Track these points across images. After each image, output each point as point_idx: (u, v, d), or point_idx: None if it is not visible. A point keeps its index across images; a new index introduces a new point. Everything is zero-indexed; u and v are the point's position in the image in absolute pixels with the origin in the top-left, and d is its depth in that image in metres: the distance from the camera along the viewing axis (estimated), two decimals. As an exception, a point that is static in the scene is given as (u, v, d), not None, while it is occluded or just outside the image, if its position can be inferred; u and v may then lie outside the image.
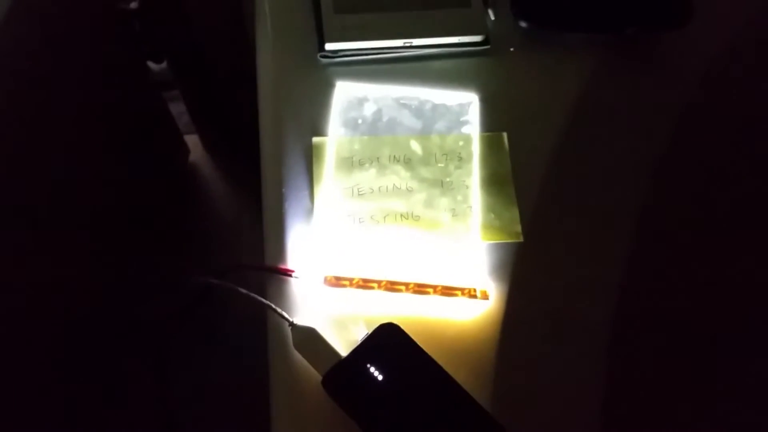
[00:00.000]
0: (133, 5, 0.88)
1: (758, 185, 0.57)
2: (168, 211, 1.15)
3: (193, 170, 1.27)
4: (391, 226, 0.51)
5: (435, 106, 0.56)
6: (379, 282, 0.48)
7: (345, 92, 0.56)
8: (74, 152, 0.83)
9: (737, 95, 0.59)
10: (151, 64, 1.05)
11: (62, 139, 0.79)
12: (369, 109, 0.55)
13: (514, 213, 0.53)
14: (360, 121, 0.55)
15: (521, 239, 0.52)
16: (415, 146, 0.54)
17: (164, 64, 1.06)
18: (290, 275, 0.48)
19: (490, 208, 0.53)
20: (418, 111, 0.56)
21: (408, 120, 0.55)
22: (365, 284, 0.48)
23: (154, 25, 0.94)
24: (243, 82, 0.63)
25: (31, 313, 0.73)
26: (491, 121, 0.56)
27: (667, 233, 0.54)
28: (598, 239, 0.53)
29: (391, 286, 0.48)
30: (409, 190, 0.53)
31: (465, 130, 0.55)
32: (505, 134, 0.55)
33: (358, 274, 0.48)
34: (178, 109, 1.24)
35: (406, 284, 0.49)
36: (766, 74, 0.60)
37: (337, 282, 0.48)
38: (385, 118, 0.55)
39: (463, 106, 0.56)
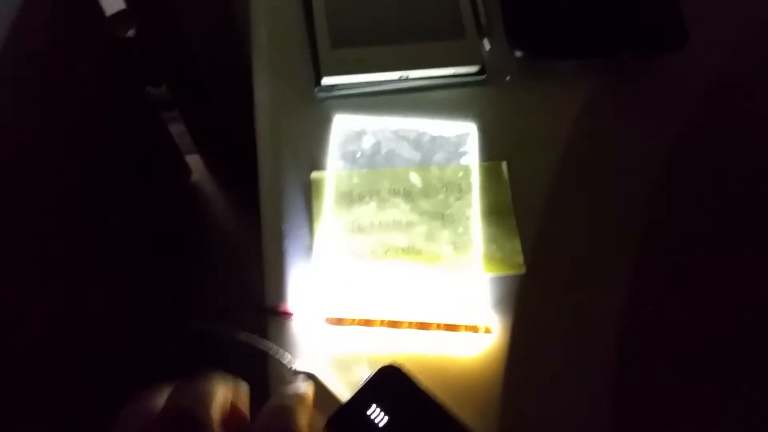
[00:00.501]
0: (131, 33, 0.89)
1: (757, 208, 0.57)
2: (171, 233, 1.16)
3: (196, 190, 1.27)
4: (392, 261, 0.51)
5: (433, 138, 0.56)
6: (380, 320, 0.48)
7: (343, 125, 0.56)
8: (74, 178, 0.83)
9: (734, 118, 0.59)
10: (150, 89, 1.05)
11: (62, 166, 0.79)
12: (367, 142, 0.56)
13: (516, 244, 0.53)
14: (359, 155, 0.55)
15: (524, 270, 0.52)
16: (415, 178, 0.54)
17: (162, 88, 1.06)
18: (290, 317, 0.48)
19: (491, 239, 0.53)
20: (416, 143, 0.56)
21: (407, 152, 0.55)
22: (367, 323, 0.48)
23: (152, 52, 0.95)
24: (243, 102, 0.63)
25: (23, 348, 0.73)
26: (490, 151, 0.56)
27: (670, 260, 0.54)
28: (600, 268, 0.53)
29: (393, 324, 0.48)
30: (410, 224, 0.53)
31: (464, 160, 0.55)
32: (504, 163, 0.55)
33: (359, 313, 0.49)
34: (178, 130, 1.24)
35: (408, 321, 0.49)
36: (762, 97, 0.60)
37: (339, 321, 0.48)
38: (383, 151, 0.55)
39: (462, 137, 0.56)
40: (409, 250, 0.52)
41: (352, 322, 0.48)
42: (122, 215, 1.00)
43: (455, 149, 0.55)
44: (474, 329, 0.49)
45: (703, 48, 0.58)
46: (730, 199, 0.57)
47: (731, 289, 0.54)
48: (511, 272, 0.52)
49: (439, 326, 0.49)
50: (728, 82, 0.60)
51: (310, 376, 0.46)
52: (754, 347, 0.52)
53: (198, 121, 1.17)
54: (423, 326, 0.49)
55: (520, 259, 0.52)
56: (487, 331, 0.49)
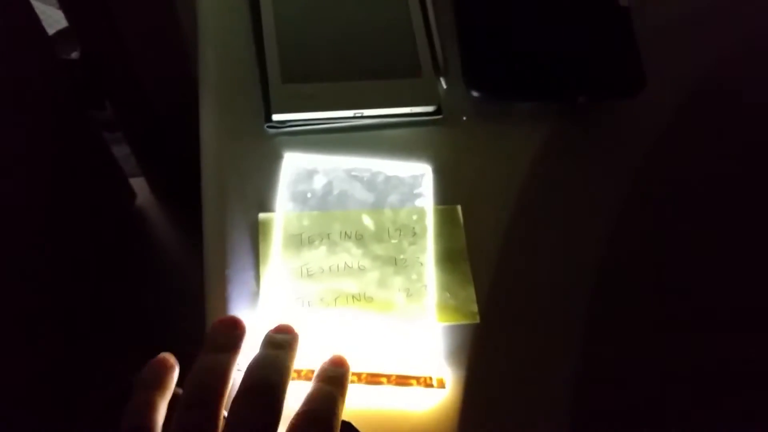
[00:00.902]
0: (75, 55, 0.85)
1: (715, 249, 0.57)
2: (113, 259, 1.11)
3: (140, 214, 1.23)
4: (342, 308, 0.49)
5: (388, 178, 0.54)
6: None
7: (293, 164, 0.54)
8: (8, 204, 0.78)
9: (689, 164, 0.59)
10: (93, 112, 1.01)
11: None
12: (319, 182, 0.53)
13: (470, 291, 0.51)
14: (309, 195, 0.53)
15: (477, 320, 0.50)
16: (368, 221, 0.52)
17: (107, 110, 1.02)
18: None
19: (444, 287, 0.51)
20: (370, 183, 0.54)
21: (360, 193, 0.53)
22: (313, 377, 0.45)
23: (97, 73, 0.91)
24: (191, 125, 0.60)
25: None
26: (445, 193, 0.54)
27: (626, 307, 0.53)
28: (556, 316, 0.52)
29: None
30: (362, 269, 0.51)
31: (419, 202, 0.54)
32: (459, 207, 0.54)
33: (306, 365, 0.46)
34: (123, 152, 1.19)
35: (359, 374, 0.46)
36: (718, 142, 0.60)
37: None
38: (335, 191, 0.53)
39: (417, 177, 0.54)
40: (361, 297, 0.50)
41: (299, 375, 0.45)
42: (61, 241, 0.96)
43: (410, 190, 0.54)
44: (427, 383, 0.47)
45: (660, 93, 0.58)
46: (685, 246, 0.57)
47: (689, 344, 0.53)
48: (465, 321, 0.50)
49: (390, 380, 0.46)
50: (685, 128, 0.60)
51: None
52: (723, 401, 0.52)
53: (144, 144, 1.13)
54: (374, 380, 0.46)
55: (474, 307, 0.50)
56: (441, 384, 0.47)
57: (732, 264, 0.56)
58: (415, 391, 0.47)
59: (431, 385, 0.47)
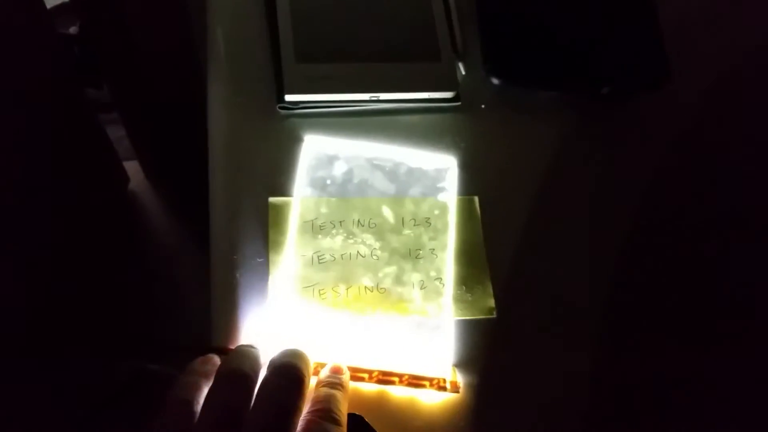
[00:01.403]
0: (73, 30, 0.82)
1: (737, 242, 0.55)
2: (105, 246, 1.08)
3: (132, 199, 1.20)
4: (355, 302, 0.47)
5: (411, 170, 0.52)
6: None
7: (313, 148, 0.51)
8: None
9: (711, 158, 0.58)
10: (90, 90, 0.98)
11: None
12: (339, 169, 0.51)
13: (487, 286, 0.49)
14: (329, 182, 0.50)
15: (494, 315, 0.48)
16: (387, 212, 0.50)
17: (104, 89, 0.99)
18: None
19: (461, 281, 0.49)
20: (392, 173, 0.51)
21: (381, 183, 0.51)
22: None
23: (96, 50, 0.88)
24: (192, 108, 0.58)
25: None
26: (461, 184, 0.52)
27: (647, 300, 0.52)
28: (574, 315, 0.50)
29: (353, 375, 0.44)
30: (377, 260, 0.49)
31: (441, 196, 0.51)
32: (476, 198, 0.52)
33: (315, 360, 0.44)
34: (117, 134, 1.16)
35: (370, 372, 0.44)
36: (741, 134, 0.59)
37: None
38: (356, 180, 0.51)
39: (441, 171, 0.52)
40: (374, 289, 0.48)
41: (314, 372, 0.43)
42: (50, 225, 0.92)
43: (433, 184, 0.51)
44: (440, 386, 0.45)
45: (684, 85, 0.56)
46: (706, 240, 0.55)
47: (711, 332, 0.52)
48: (482, 316, 0.48)
49: (402, 380, 0.44)
50: (707, 122, 0.58)
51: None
52: (736, 392, 0.50)
53: (139, 126, 1.10)
54: (385, 379, 0.44)
55: (491, 302, 0.49)
56: (454, 387, 0.45)
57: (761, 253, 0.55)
58: (428, 393, 0.45)
59: (444, 388, 0.45)
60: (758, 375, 0.51)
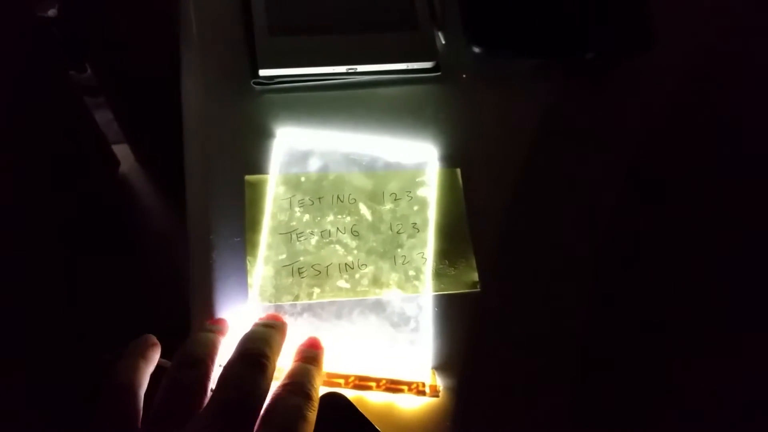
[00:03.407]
0: (52, 12, 0.80)
1: (722, 208, 0.54)
2: (96, 230, 1.07)
3: (124, 182, 1.19)
4: (333, 278, 0.46)
5: (388, 164, 0.50)
6: None
7: (286, 144, 0.49)
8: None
9: (700, 122, 0.56)
10: (73, 74, 0.96)
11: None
12: (314, 165, 0.49)
13: (470, 260, 0.48)
14: (303, 179, 0.49)
15: (478, 288, 0.47)
16: (367, 185, 0.49)
17: (88, 72, 0.97)
18: None
19: (444, 255, 0.48)
20: (369, 168, 0.50)
21: (357, 179, 0.49)
22: None
23: (77, 33, 0.86)
24: (177, 88, 0.57)
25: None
26: (442, 156, 0.51)
27: (634, 271, 0.51)
28: (560, 294, 0.49)
29: (328, 380, 0.43)
30: (358, 236, 0.48)
31: (421, 192, 0.50)
32: (458, 170, 0.50)
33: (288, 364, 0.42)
34: (106, 117, 1.15)
35: (346, 378, 0.43)
36: (726, 99, 0.57)
37: None
38: (331, 177, 0.49)
39: (420, 165, 0.50)
40: (354, 266, 0.47)
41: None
42: (41, 210, 0.92)
43: (411, 178, 0.50)
44: (419, 390, 0.43)
45: (668, 50, 0.54)
46: (695, 203, 0.54)
47: (701, 306, 0.51)
48: (465, 290, 0.47)
49: (379, 385, 0.43)
50: (694, 85, 0.56)
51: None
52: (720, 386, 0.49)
53: (127, 108, 1.09)
54: (362, 385, 0.43)
55: (475, 276, 0.48)
56: (434, 391, 0.44)
57: (744, 225, 0.54)
58: (407, 398, 0.44)
59: (423, 392, 0.44)
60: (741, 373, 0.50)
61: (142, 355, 0.39)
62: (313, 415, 0.37)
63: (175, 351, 0.39)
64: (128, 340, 0.42)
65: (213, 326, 0.42)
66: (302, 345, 0.43)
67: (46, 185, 0.93)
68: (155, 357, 0.40)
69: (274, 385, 0.38)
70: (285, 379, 0.39)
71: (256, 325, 0.42)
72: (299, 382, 0.38)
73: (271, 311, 0.45)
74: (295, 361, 0.41)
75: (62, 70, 0.94)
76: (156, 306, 0.93)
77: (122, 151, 1.18)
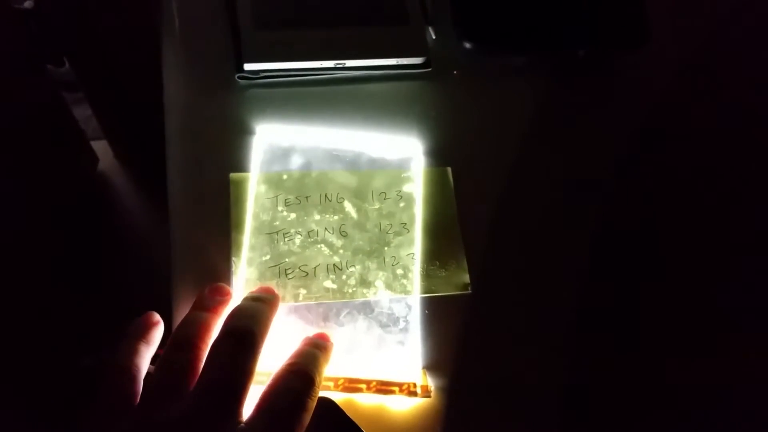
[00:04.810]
0: (28, 4, 0.78)
1: (717, 206, 0.53)
2: (74, 230, 1.05)
3: (102, 179, 1.16)
4: (320, 279, 0.45)
5: (373, 160, 0.49)
6: None
7: (267, 141, 0.48)
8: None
9: (693, 117, 0.56)
10: (50, 68, 0.94)
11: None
12: (296, 163, 0.48)
13: (462, 261, 0.47)
14: (285, 177, 0.47)
15: (469, 291, 0.46)
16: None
17: (66, 67, 0.95)
18: None
19: (434, 256, 0.47)
20: (353, 164, 0.48)
21: (342, 177, 0.48)
22: None
23: (53, 25, 0.84)
24: (157, 84, 0.55)
25: None
26: (433, 154, 0.50)
27: (627, 271, 0.50)
28: (552, 295, 0.48)
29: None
30: (346, 236, 0.46)
31: (407, 188, 0.49)
32: (449, 169, 0.49)
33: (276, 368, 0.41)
34: (84, 113, 1.12)
35: (335, 380, 0.42)
36: (721, 94, 0.57)
37: (254, 379, 0.40)
38: (314, 174, 0.48)
39: (405, 160, 0.49)
40: (342, 266, 0.45)
41: (269, 379, 0.40)
42: (18, 209, 0.89)
43: (397, 175, 0.49)
44: (410, 391, 0.42)
45: (663, 47, 0.54)
46: (690, 201, 0.53)
47: (691, 306, 0.50)
48: (456, 292, 0.46)
49: (370, 387, 0.42)
50: (688, 83, 0.56)
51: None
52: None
53: (106, 104, 1.06)
54: (352, 387, 0.42)
55: (466, 278, 0.46)
56: (425, 392, 0.43)
57: (737, 219, 0.53)
58: (398, 399, 0.42)
59: (415, 393, 0.42)
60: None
61: (144, 336, 0.39)
62: (312, 403, 0.36)
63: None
64: (108, 341, 0.41)
65: (211, 299, 0.41)
66: (311, 336, 0.43)
67: (22, 182, 0.91)
68: (157, 337, 0.40)
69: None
70: (290, 358, 0.39)
71: (246, 299, 0.42)
72: (303, 364, 0.38)
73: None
74: (303, 344, 0.41)
75: (39, 64, 0.92)
76: (137, 306, 0.91)
77: (101, 148, 1.16)
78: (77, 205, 1.10)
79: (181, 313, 0.42)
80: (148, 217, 1.14)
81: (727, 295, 0.51)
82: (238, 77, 0.48)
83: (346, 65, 0.49)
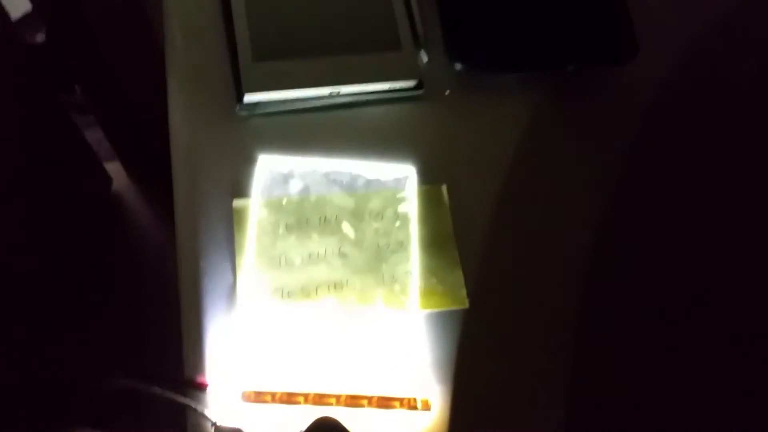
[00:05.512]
0: (40, 38, 0.81)
1: (709, 218, 0.55)
2: (89, 247, 1.07)
3: (117, 200, 1.19)
4: (322, 299, 0.47)
5: (368, 182, 0.51)
6: (305, 395, 0.43)
7: (267, 167, 0.50)
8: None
9: (681, 130, 0.57)
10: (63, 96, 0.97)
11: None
12: (295, 187, 0.50)
13: (458, 276, 0.49)
14: (284, 201, 0.49)
15: (467, 305, 0.48)
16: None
17: (78, 94, 0.98)
18: (204, 389, 0.42)
19: (432, 272, 0.48)
20: (349, 187, 0.50)
21: (339, 198, 0.50)
22: (290, 399, 0.43)
23: (63, 56, 0.87)
24: (164, 106, 0.58)
25: None
26: (428, 172, 0.51)
27: (623, 287, 0.51)
28: (549, 307, 0.50)
29: (320, 400, 0.43)
30: (345, 257, 0.48)
31: (402, 208, 0.50)
32: (444, 187, 0.51)
33: (281, 384, 0.43)
34: (96, 136, 1.15)
35: (337, 397, 0.44)
36: (708, 108, 0.58)
37: (258, 398, 0.42)
38: (312, 198, 0.50)
39: (400, 180, 0.51)
40: (343, 286, 0.47)
41: (273, 398, 0.42)
42: (36, 231, 0.92)
43: (393, 195, 0.50)
44: (411, 405, 0.44)
45: (651, 62, 0.55)
46: (683, 215, 0.54)
47: (687, 319, 0.51)
48: (454, 307, 0.48)
49: (371, 402, 0.44)
50: (676, 97, 0.57)
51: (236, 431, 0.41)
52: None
53: (116, 127, 1.09)
54: (354, 403, 0.44)
55: (463, 292, 0.48)
56: (425, 406, 0.44)
57: (728, 234, 0.55)
58: (399, 414, 0.44)
59: (415, 407, 0.44)
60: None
61: None
62: None
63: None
64: (123, 360, 0.42)
65: None
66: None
67: (40, 206, 0.94)
68: None
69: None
70: None
71: None
72: None
73: (261, 332, 0.45)
74: None
75: (52, 92, 0.95)
76: (150, 323, 0.93)
77: (114, 169, 1.19)
78: (93, 225, 1.13)
79: (190, 334, 0.44)
80: (162, 234, 1.16)
81: (727, 296, 0.53)
82: (239, 108, 0.51)
83: (342, 92, 0.51)
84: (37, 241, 0.93)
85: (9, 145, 0.82)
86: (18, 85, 0.83)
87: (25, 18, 0.92)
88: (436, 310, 0.48)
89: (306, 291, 0.47)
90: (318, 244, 0.48)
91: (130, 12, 0.79)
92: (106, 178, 1.17)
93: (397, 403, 0.44)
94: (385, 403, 0.44)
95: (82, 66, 0.92)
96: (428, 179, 0.51)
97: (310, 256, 0.48)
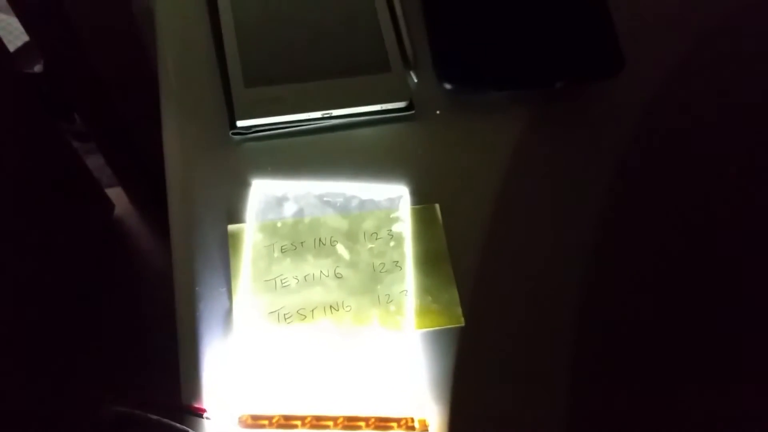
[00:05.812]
0: (38, 69, 0.82)
1: (705, 232, 0.55)
2: (92, 274, 1.08)
3: (119, 225, 1.20)
4: (318, 321, 0.47)
5: (362, 202, 0.51)
6: (303, 419, 0.43)
7: (261, 191, 0.50)
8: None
9: (673, 144, 0.57)
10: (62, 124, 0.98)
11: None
12: (289, 210, 0.50)
13: (453, 294, 0.49)
14: (279, 225, 0.50)
15: (463, 323, 0.48)
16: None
17: (77, 122, 0.99)
18: (201, 415, 0.42)
19: (426, 291, 0.49)
20: (343, 208, 0.51)
21: (333, 221, 0.50)
22: (287, 423, 0.43)
23: (62, 85, 0.88)
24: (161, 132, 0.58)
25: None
26: (421, 192, 0.52)
27: (619, 301, 0.52)
28: (545, 322, 0.50)
29: (317, 423, 0.43)
30: (338, 277, 0.49)
31: (396, 228, 0.51)
32: (437, 206, 0.51)
33: (279, 407, 0.43)
34: (97, 162, 1.17)
35: (335, 419, 0.44)
36: (697, 120, 0.58)
37: (255, 422, 0.43)
38: (307, 220, 0.50)
39: (393, 200, 0.51)
40: (339, 307, 0.48)
41: (270, 423, 0.43)
42: (39, 257, 0.93)
43: (386, 216, 0.51)
44: (408, 426, 0.44)
45: (637, 75, 0.56)
46: (677, 228, 0.55)
47: (685, 340, 0.51)
48: (450, 325, 0.48)
49: (369, 424, 0.44)
50: (666, 109, 0.58)
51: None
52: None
53: (116, 153, 1.10)
54: (351, 425, 0.44)
55: (458, 310, 0.48)
56: (423, 426, 0.45)
57: (721, 241, 0.55)
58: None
59: (413, 428, 0.44)
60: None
61: None
62: None
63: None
64: (124, 384, 0.42)
65: None
66: None
67: (43, 233, 0.95)
68: None
69: None
70: None
71: None
72: None
73: (258, 356, 0.45)
74: None
75: (51, 121, 0.96)
76: (152, 349, 0.94)
77: (116, 195, 1.20)
78: (95, 251, 1.14)
79: (186, 360, 0.44)
80: (164, 259, 1.17)
81: (727, 296, 0.53)
82: (232, 133, 0.51)
83: (333, 114, 0.52)
84: (38, 269, 0.94)
85: (10, 175, 0.83)
86: (18, 115, 0.84)
87: (23, 48, 0.93)
88: (432, 329, 0.48)
89: (302, 313, 0.47)
90: (313, 266, 0.48)
91: (126, 39, 0.81)
92: (108, 204, 1.18)
93: (394, 424, 0.44)
94: (382, 424, 0.44)
95: (80, 94, 0.93)
96: (421, 198, 0.52)
97: (305, 278, 0.48)
